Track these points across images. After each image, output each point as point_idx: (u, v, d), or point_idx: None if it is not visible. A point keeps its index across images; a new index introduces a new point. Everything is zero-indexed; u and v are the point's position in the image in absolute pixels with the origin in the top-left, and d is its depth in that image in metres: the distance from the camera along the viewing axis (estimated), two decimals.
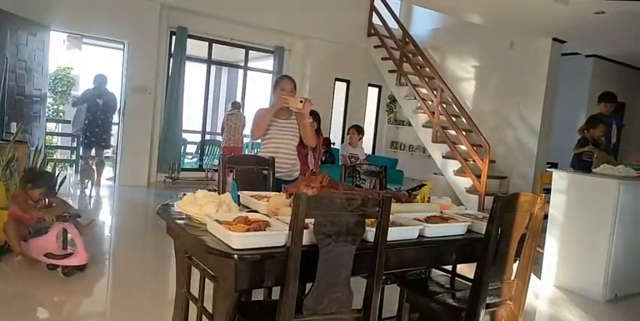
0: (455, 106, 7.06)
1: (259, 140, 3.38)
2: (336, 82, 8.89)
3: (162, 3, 7.01)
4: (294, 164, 3.36)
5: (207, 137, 9.00)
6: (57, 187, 4.05)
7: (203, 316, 1.95)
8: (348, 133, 6.04)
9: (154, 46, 7.09)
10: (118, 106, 6.82)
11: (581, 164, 4.86)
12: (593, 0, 5.09)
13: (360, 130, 6.08)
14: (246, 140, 7.95)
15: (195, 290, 2.04)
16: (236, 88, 10.21)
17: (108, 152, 6.92)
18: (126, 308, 2.92)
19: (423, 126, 7.65)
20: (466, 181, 6.74)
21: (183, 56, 7.53)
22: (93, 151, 6.50)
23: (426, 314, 2.31)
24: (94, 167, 6.59)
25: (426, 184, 2.52)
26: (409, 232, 1.89)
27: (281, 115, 3.26)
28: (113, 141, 7.11)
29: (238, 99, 8.52)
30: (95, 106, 6.27)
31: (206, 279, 1.90)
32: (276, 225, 1.72)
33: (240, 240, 1.52)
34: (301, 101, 3.10)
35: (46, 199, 3.55)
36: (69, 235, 3.36)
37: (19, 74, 5.52)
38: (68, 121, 8.14)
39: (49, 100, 8.49)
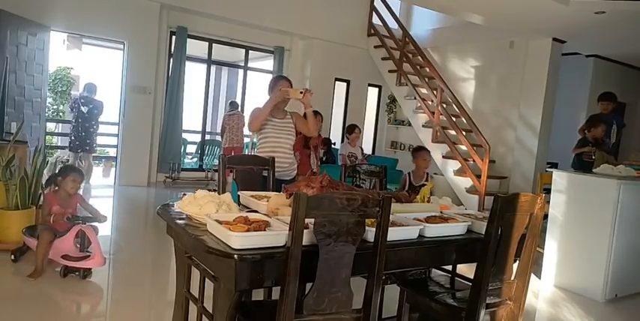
0: (455, 106, 7.05)
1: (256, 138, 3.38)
2: (336, 82, 8.88)
3: (162, 3, 7.00)
4: (292, 163, 3.36)
5: (207, 137, 9.00)
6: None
7: (203, 316, 1.95)
8: (351, 133, 5.98)
9: (154, 46, 7.09)
10: (104, 111, 7.06)
11: (582, 165, 4.86)
12: (593, 0, 5.09)
13: (360, 129, 6.11)
14: (246, 140, 7.96)
15: (195, 290, 2.04)
16: (236, 88, 10.21)
17: (91, 157, 7.18)
18: (126, 308, 2.92)
19: (423, 126, 7.65)
20: (466, 181, 6.73)
21: (184, 56, 7.53)
22: (80, 154, 6.83)
23: (426, 314, 2.31)
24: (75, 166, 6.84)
25: (426, 184, 2.52)
26: (409, 232, 1.89)
27: (277, 115, 3.28)
28: (113, 141, 7.16)
29: (238, 99, 8.52)
30: (81, 114, 6.71)
31: (206, 279, 1.90)
32: (276, 225, 1.72)
33: (240, 240, 1.52)
34: (301, 92, 3.15)
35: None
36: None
37: (19, 74, 5.52)
38: (68, 121, 8.17)
39: (49, 100, 8.50)
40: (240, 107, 8.01)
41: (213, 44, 8.15)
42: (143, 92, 7.06)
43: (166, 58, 7.48)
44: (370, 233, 1.65)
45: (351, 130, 6.00)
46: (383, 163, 7.12)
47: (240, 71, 8.98)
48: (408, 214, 2.09)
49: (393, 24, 8.18)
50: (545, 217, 3.68)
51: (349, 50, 8.66)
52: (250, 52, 8.58)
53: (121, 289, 3.29)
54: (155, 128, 7.39)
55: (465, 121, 6.88)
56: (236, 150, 7.26)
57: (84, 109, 6.69)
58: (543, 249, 3.93)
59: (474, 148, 6.61)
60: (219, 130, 9.35)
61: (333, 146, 7.87)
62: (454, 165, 6.97)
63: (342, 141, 8.10)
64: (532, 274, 2.12)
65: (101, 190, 7.08)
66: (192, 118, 8.57)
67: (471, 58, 8.25)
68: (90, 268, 3.27)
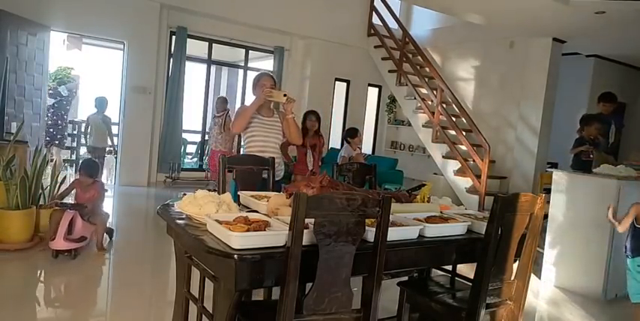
0: (455, 106, 7.05)
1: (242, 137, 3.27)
2: (336, 82, 8.88)
3: (162, 3, 7.00)
4: (280, 163, 3.25)
5: (207, 137, 8.99)
6: (58, 187, 4.09)
7: (203, 316, 1.95)
8: (354, 137, 5.95)
9: (154, 46, 7.09)
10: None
11: (581, 164, 4.84)
12: (593, 0, 5.09)
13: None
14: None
15: (195, 290, 2.04)
16: (236, 88, 10.20)
17: (63, 152, 7.16)
18: (126, 308, 2.92)
19: (423, 126, 7.65)
20: (466, 181, 6.73)
21: (183, 56, 7.53)
22: (52, 149, 6.88)
23: (426, 314, 2.31)
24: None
25: (426, 184, 2.52)
26: (409, 232, 1.89)
27: (264, 113, 3.15)
28: (110, 141, 7.08)
29: (238, 99, 8.51)
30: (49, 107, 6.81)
31: (206, 279, 1.90)
32: (276, 225, 1.72)
33: (240, 240, 1.52)
34: (285, 95, 3.02)
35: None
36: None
37: (19, 74, 5.52)
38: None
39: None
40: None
41: (213, 44, 8.14)
42: (143, 92, 7.06)
43: (166, 58, 7.48)
44: (370, 233, 1.65)
45: (354, 135, 5.98)
46: (383, 163, 7.14)
47: (240, 71, 8.98)
48: (408, 214, 2.09)
49: (393, 24, 8.19)
50: (545, 217, 3.68)
51: (349, 50, 8.66)
52: (250, 52, 8.57)
53: (121, 289, 3.29)
54: (155, 128, 7.39)
55: (465, 121, 6.88)
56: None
57: (50, 100, 6.66)
58: (543, 249, 3.93)
59: (474, 148, 6.61)
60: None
61: (333, 148, 7.87)
62: (454, 165, 6.97)
63: (342, 141, 8.10)
64: (532, 274, 2.12)
65: None
66: (192, 118, 8.56)
67: (471, 58, 8.25)
68: (75, 249, 3.55)
